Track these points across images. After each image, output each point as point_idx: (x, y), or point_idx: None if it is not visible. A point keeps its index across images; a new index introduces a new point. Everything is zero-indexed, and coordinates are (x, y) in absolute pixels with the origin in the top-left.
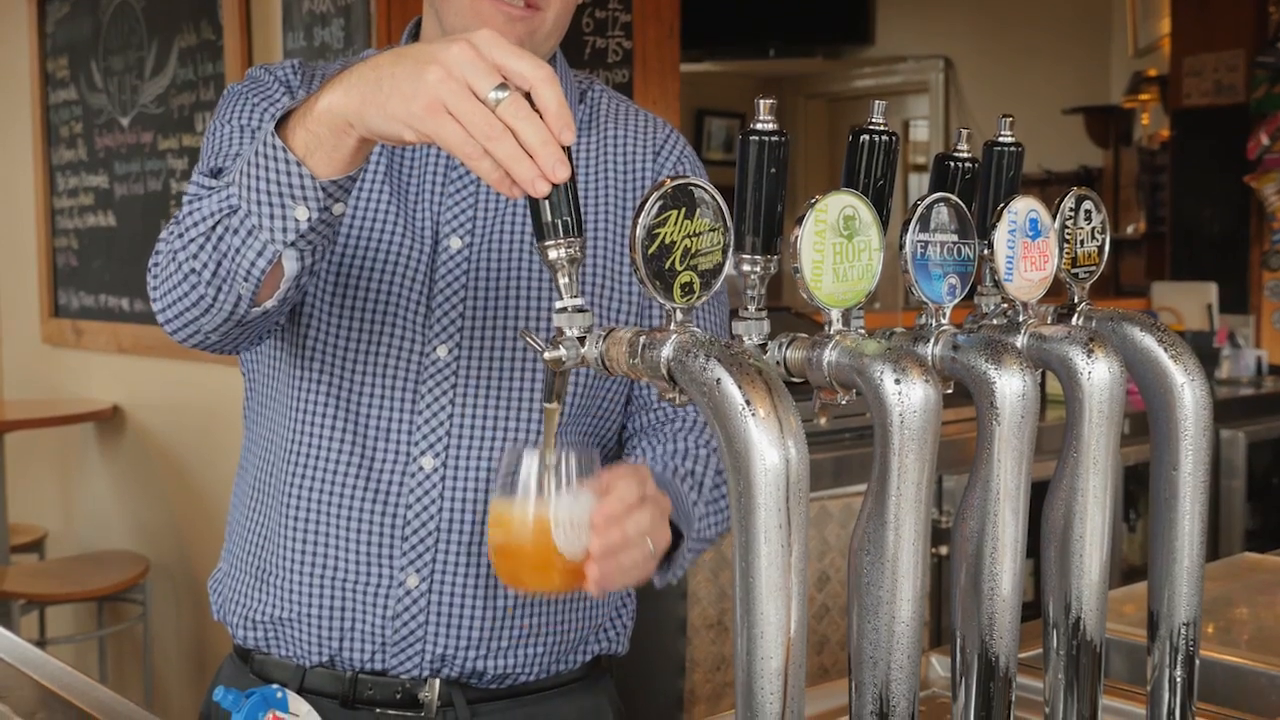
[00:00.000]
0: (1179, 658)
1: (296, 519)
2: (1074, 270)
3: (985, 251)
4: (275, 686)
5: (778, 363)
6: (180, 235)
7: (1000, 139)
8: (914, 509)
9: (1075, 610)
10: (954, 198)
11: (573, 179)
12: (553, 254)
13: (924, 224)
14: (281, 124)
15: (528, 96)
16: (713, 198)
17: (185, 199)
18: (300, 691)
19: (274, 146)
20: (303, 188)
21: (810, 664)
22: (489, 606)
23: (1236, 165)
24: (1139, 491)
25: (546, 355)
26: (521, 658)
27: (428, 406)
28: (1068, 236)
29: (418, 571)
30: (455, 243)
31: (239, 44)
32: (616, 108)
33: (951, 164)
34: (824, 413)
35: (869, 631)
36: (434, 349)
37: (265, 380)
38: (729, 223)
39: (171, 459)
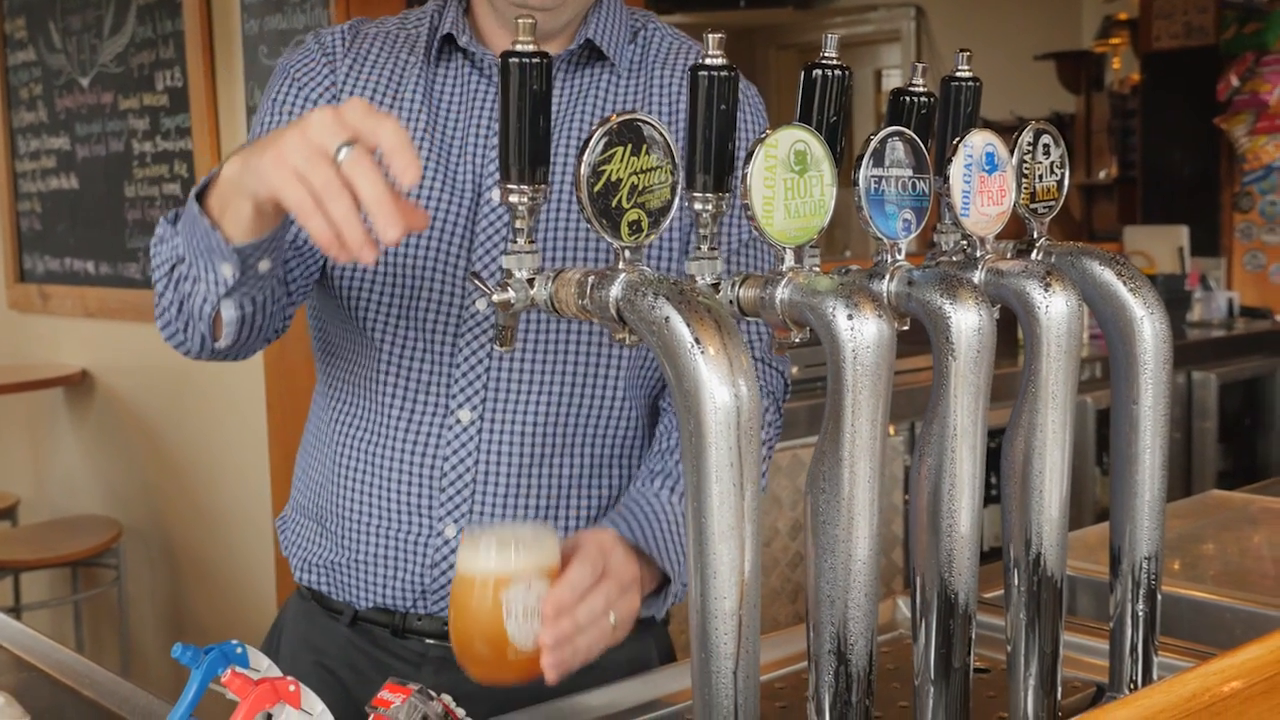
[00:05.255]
0: (1141, 592)
1: (346, 469)
2: (1033, 205)
3: (942, 187)
4: (235, 642)
5: (731, 301)
6: (154, 270)
7: (958, 74)
8: (869, 446)
9: (1036, 546)
10: (908, 132)
11: (547, 129)
12: (513, 198)
13: (878, 159)
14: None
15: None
16: (661, 135)
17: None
18: (354, 622)
19: (195, 212)
20: (222, 249)
21: (786, 612)
22: None
23: (1207, 107)
24: None
25: (495, 297)
26: None
27: (465, 360)
28: (1026, 171)
29: (455, 522)
30: (497, 194)
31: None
32: (671, 47)
33: (907, 99)
34: (781, 351)
35: (826, 570)
36: (473, 302)
37: (325, 335)
38: (678, 160)
39: (142, 422)
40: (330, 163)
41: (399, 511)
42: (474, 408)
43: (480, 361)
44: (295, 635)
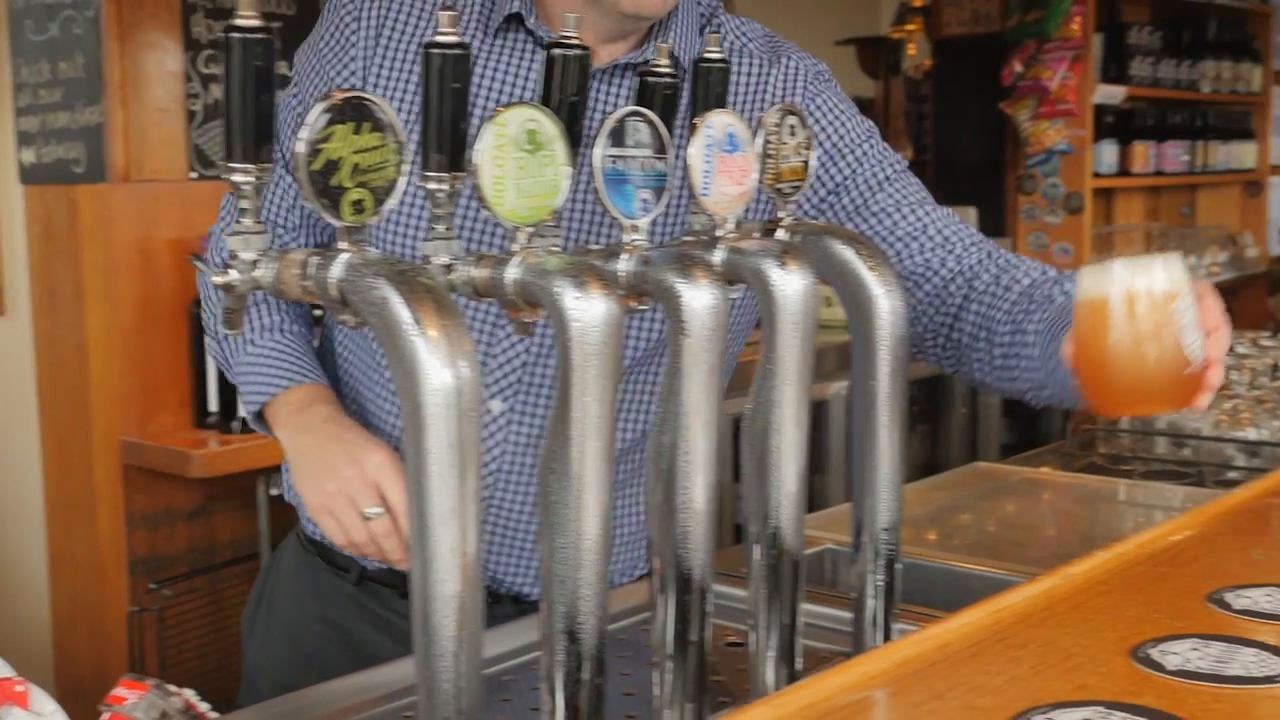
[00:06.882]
0: (880, 563)
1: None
2: (778, 186)
3: (683, 166)
4: None
5: (465, 283)
6: (215, 337)
7: (707, 55)
8: (598, 425)
9: (773, 521)
10: (647, 112)
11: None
12: (237, 177)
13: (616, 138)
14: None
15: None
16: (385, 113)
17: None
18: (361, 580)
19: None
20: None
21: None
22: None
23: (994, 93)
24: (919, 412)
25: (216, 280)
26: None
27: (502, 352)
28: (771, 152)
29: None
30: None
31: None
32: (735, 45)
33: (650, 80)
34: (521, 331)
35: (557, 550)
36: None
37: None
38: (402, 137)
39: None
40: (361, 519)
41: None
42: (505, 399)
43: (516, 356)
44: (298, 586)
